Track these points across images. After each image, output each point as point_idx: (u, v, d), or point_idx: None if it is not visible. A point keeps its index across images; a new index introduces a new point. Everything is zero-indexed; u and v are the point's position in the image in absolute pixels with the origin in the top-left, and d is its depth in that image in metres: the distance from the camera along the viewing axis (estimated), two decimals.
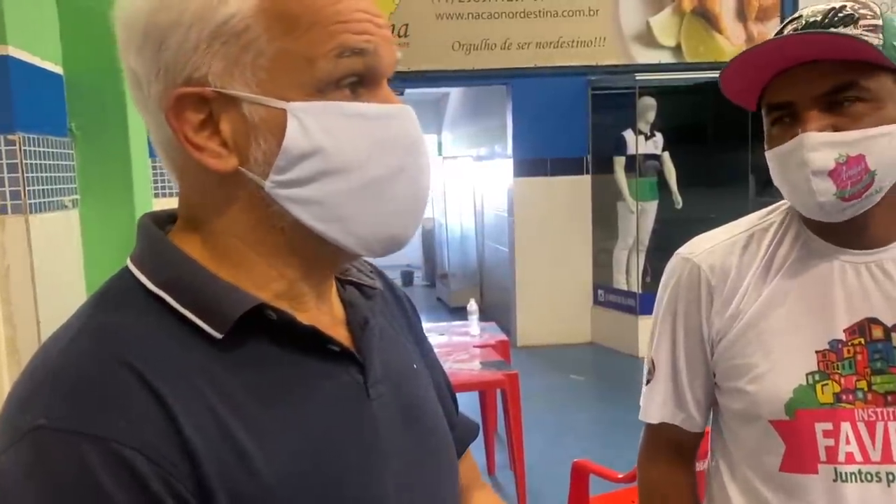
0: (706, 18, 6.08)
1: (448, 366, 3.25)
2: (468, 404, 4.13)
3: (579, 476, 2.30)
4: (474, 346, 3.58)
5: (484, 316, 4.38)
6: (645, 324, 5.63)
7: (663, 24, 6.02)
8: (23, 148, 2.13)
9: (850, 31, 0.89)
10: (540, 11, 5.89)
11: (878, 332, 0.95)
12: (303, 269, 0.63)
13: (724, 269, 1.03)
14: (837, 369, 0.95)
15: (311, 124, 0.58)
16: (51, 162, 2.30)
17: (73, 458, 0.49)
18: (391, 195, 0.61)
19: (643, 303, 5.73)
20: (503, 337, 3.86)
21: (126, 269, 0.61)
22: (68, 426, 0.50)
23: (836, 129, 0.89)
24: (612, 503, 2.36)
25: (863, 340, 0.95)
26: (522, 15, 5.88)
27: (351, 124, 0.59)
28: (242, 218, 0.60)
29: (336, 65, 0.58)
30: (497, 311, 6.63)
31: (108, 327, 0.56)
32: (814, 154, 0.89)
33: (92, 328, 0.56)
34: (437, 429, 0.73)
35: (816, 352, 0.96)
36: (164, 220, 0.65)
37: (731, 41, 6.10)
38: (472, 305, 3.95)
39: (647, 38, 6.02)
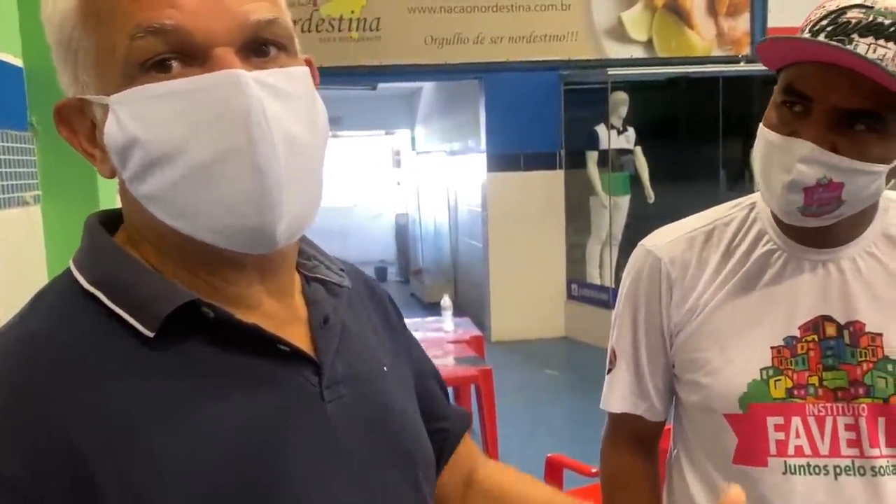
0: (678, 14, 6.12)
1: None
2: None
3: (553, 471, 2.31)
4: (448, 342, 3.58)
5: (458, 311, 4.38)
6: None
7: (635, 19, 6.05)
8: None
9: None
10: (512, 6, 5.88)
11: (831, 330, 0.96)
12: (216, 267, 0.59)
13: (684, 262, 1.03)
14: (791, 365, 0.96)
15: (124, 115, 0.54)
16: (11, 157, 2.24)
17: None
18: (228, 180, 0.53)
19: (617, 297, 5.74)
20: (477, 332, 3.86)
21: (67, 269, 0.60)
22: None
23: (834, 147, 0.86)
24: (586, 497, 2.36)
25: (816, 337, 0.96)
26: (495, 9, 5.87)
27: (164, 106, 0.53)
28: (145, 220, 0.58)
29: (130, 48, 0.53)
30: (471, 306, 6.63)
31: (26, 340, 0.55)
32: (802, 166, 0.87)
33: (8, 342, 0.55)
34: (407, 430, 0.71)
35: (771, 347, 0.97)
36: (115, 219, 0.63)
37: (702, 36, 6.15)
38: (446, 301, 3.94)
39: (619, 33, 6.05)
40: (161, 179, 0.54)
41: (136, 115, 0.54)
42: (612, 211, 5.99)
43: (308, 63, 0.63)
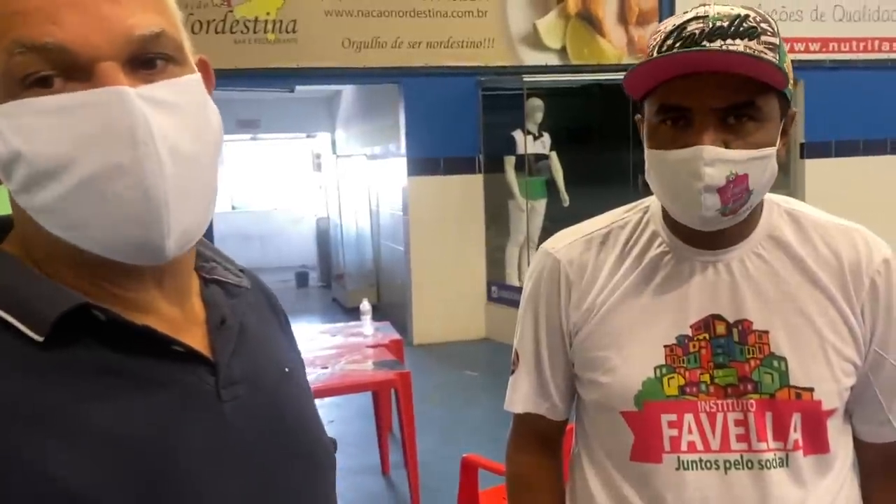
0: (590, 22, 6.29)
1: (341, 366, 3.21)
2: (362, 405, 4.11)
3: (468, 471, 2.34)
4: (367, 347, 3.56)
5: (381, 315, 4.37)
6: None
7: (549, 27, 6.18)
8: None
9: (756, 46, 0.89)
10: (430, 11, 5.92)
11: (721, 328, 1.00)
12: (110, 274, 0.59)
13: (581, 263, 1.06)
14: (683, 363, 0.99)
15: (5, 128, 0.54)
16: None
17: None
18: (114, 197, 0.53)
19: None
20: (396, 336, 3.86)
21: None
22: None
23: (725, 144, 0.90)
24: (501, 496, 2.40)
25: (707, 336, 1.00)
26: (412, 14, 5.89)
27: (48, 122, 0.53)
28: (36, 227, 0.58)
29: (9, 63, 0.53)
30: (394, 310, 6.63)
31: None
32: (710, 169, 0.90)
33: None
34: (309, 431, 0.72)
35: (664, 346, 1.00)
36: (7, 224, 0.62)
37: (613, 44, 6.35)
38: (365, 305, 3.93)
39: (534, 40, 6.17)
40: (47, 194, 0.54)
41: (18, 129, 0.53)
42: (529, 214, 6.11)
43: (202, 64, 0.63)
